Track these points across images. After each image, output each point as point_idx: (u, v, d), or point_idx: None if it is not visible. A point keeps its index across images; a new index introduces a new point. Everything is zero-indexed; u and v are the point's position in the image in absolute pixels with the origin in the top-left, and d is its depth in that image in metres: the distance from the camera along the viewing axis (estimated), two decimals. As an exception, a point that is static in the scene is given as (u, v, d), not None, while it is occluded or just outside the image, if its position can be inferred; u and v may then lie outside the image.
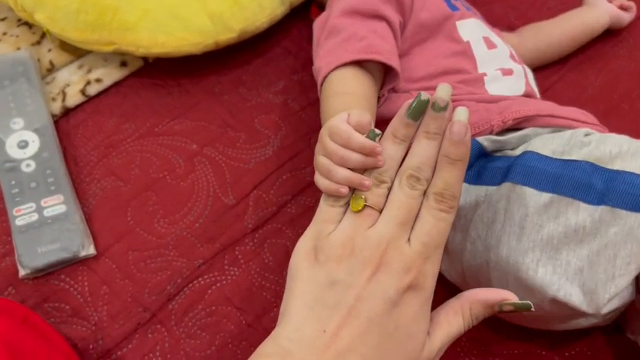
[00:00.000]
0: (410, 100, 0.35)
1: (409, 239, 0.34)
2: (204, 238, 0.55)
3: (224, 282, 0.53)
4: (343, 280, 0.33)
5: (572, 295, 0.41)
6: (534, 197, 0.43)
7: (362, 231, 0.34)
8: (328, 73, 0.51)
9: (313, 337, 0.32)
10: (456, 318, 0.36)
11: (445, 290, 0.49)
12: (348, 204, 0.36)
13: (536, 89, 0.57)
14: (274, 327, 0.34)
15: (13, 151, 0.57)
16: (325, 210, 0.37)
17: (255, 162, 0.60)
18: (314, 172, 0.58)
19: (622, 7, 0.70)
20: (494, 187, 0.46)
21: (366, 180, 0.36)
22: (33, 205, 0.54)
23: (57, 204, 0.54)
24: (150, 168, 0.59)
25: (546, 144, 0.46)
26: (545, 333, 0.49)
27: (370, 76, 0.51)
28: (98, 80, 0.63)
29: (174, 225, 0.56)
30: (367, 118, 0.38)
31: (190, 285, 0.53)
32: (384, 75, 0.53)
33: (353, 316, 0.33)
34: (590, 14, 0.68)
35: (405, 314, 0.33)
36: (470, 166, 0.38)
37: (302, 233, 0.36)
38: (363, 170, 0.36)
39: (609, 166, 0.42)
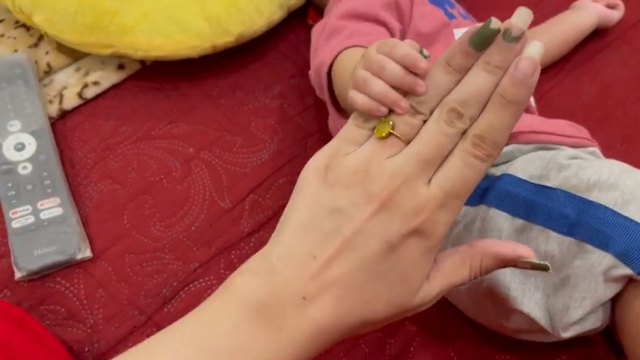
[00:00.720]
0: (477, 25, 0.30)
1: (430, 180, 0.31)
2: (201, 242, 0.55)
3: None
4: (345, 210, 0.31)
5: (541, 318, 0.42)
6: (507, 222, 0.43)
7: (379, 160, 0.31)
8: (336, 57, 0.50)
9: (302, 261, 0.31)
10: (462, 269, 0.34)
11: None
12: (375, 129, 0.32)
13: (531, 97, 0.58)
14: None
15: (9, 153, 0.57)
16: (350, 129, 0.33)
17: (251, 166, 0.60)
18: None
19: (609, 6, 0.70)
20: (472, 208, 0.46)
21: (403, 101, 0.31)
22: (29, 207, 0.54)
23: (53, 206, 0.55)
24: (146, 171, 0.59)
25: (527, 167, 0.45)
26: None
27: None
28: (95, 83, 0.64)
29: (171, 228, 0.56)
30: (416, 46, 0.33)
31: (186, 288, 0.53)
32: None
33: (347, 249, 0.31)
34: (577, 17, 0.69)
35: (403, 259, 0.31)
36: None
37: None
38: (404, 95, 0.32)
39: (585, 195, 0.42)
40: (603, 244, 0.40)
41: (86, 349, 0.50)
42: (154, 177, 0.59)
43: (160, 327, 0.50)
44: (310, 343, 0.31)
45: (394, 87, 0.32)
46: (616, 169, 0.43)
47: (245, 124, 0.63)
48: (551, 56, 0.68)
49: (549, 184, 0.44)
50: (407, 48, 0.31)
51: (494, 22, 0.29)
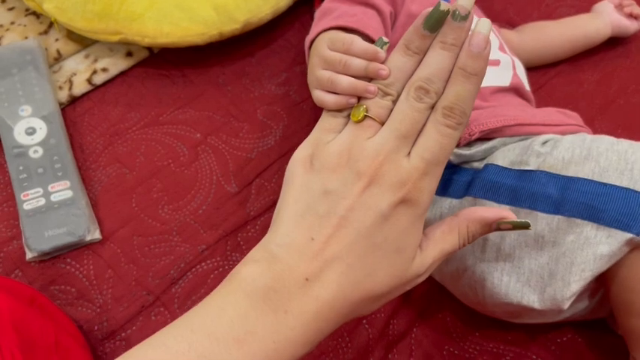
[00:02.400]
0: (428, 9, 0.33)
1: (409, 153, 0.34)
2: (208, 225, 0.56)
3: (226, 267, 0.54)
4: (336, 190, 0.33)
5: (535, 301, 0.43)
6: None
7: (359, 141, 0.34)
8: (318, 34, 0.51)
9: (302, 245, 0.33)
10: (451, 235, 0.36)
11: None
12: (349, 115, 0.35)
13: (525, 81, 0.57)
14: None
15: (21, 137, 0.58)
16: (327, 119, 0.36)
17: (257, 151, 0.61)
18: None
19: (632, 15, 0.68)
20: (457, 201, 0.47)
21: (370, 86, 0.34)
22: (40, 190, 0.55)
23: (64, 189, 0.56)
24: (154, 156, 0.60)
25: (506, 155, 0.46)
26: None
27: None
28: (104, 70, 0.65)
29: (178, 211, 0.57)
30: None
31: (193, 269, 0.54)
32: None
33: (342, 226, 0.33)
34: (592, 25, 0.67)
35: (396, 227, 0.33)
36: None
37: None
38: (369, 80, 0.35)
39: (564, 173, 0.43)
40: (593, 217, 0.41)
41: (95, 327, 0.51)
42: (162, 161, 0.60)
43: (167, 307, 0.52)
44: (318, 322, 0.32)
45: (359, 77, 0.35)
46: (587, 138, 0.44)
47: (251, 110, 0.64)
48: (557, 56, 0.67)
49: (529, 168, 0.44)
50: (364, 43, 0.35)
51: (443, 5, 0.33)
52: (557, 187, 0.42)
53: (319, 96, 0.37)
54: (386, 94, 0.34)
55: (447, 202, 0.48)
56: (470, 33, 0.33)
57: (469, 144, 0.49)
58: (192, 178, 0.59)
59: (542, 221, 0.42)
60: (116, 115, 0.63)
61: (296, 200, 0.34)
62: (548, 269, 0.42)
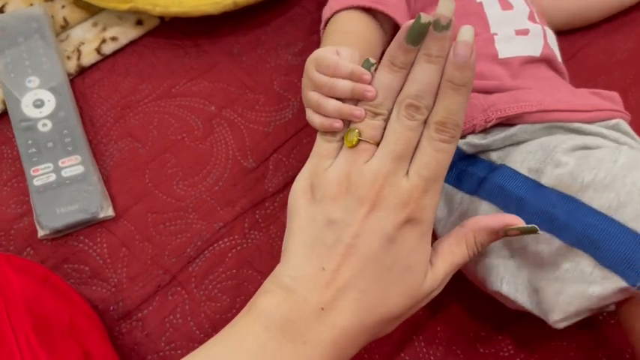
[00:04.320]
0: (409, 22, 0.33)
1: (407, 172, 0.34)
2: (224, 201, 0.54)
3: (244, 245, 0.52)
4: (340, 219, 0.33)
5: (534, 310, 0.41)
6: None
7: (357, 167, 0.34)
8: (334, 14, 0.49)
9: (313, 275, 0.33)
10: (459, 248, 0.36)
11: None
12: (344, 138, 0.35)
13: (557, 51, 0.54)
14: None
15: (28, 110, 0.56)
16: (321, 145, 0.36)
17: (274, 125, 0.58)
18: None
19: None
20: (467, 196, 0.45)
21: (356, 110, 0.34)
22: (51, 165, 0.53)
23: (75, 164, 0.54)
24: (167, 130, 0.58)
25: (526, 158, 0.42)
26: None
27: (379, 26, 0.50)
28: (114, 39, 0.62)
29: (194, 187, 0.55)
30: (358, 56, 0.36)
31: (210, 248, 0.52)
32: (393, 32, 0.51)
33: (351, 254, 0.33)
34: None
35: (404, 248, 0.33)
36: (451, 168, 0.36)
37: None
38: (357, 102, 0.35)
39: (578, 196, 0.39)
40: (594, 253, 0.37)
41: (111, 307, 0.50)
42: (176, 135, 0.58)
43: (184, 287, 0.50)
44: (336, 349, 0.32)
45: (346, 99, 0.35)
46: (619, 160, 0.39)
47: (267, 81, 0.61)
48: (588, 17, 0.64)
49: (543, 181, 0.41)
50: (349, 65, 0.34)
51: (424, 17, 0.32)
52: (566, 211, 0.39)
53: (309, 115, 0.37)
54: (376, 114, 0.34)
55: (459, 196, 0.45)
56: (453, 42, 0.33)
57: (485, 131, 0.45)
58: (208, 152, 0.57)
59: (543, 242, 0.40)
60: (127, 87, 0.60)
61: (302, 232, 0.34)
62: (542, 287, 0.40)
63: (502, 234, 0.36)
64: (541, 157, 0.42)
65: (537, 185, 0.41)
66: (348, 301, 0.33)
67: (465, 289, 0.47)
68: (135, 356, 0.48)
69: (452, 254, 0.36)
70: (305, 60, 0.62)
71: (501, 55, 0.49)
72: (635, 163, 0.39)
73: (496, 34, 0.51)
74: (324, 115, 0.36)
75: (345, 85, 0.34)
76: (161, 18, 0.64)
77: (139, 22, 0.63)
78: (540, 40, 0.52)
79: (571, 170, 0.40)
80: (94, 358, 0.43)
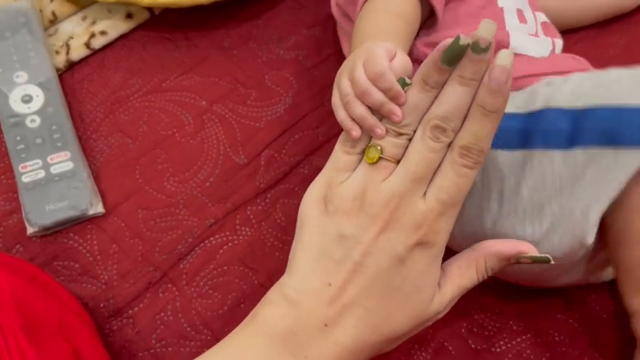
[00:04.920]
0: (446, 41, 0.31)
1: (425, 193, 0.33)
2: (215, 198, 0.54)
3: (236, 242, 0.52)
4: (351, 235, 0.33)
5: (563, 244, 0.41)
6: (507, 158, 0.41)
7: (374, 184, 0.33)
8: None
9: (319, 290, 0.33)
10: (469, 272, 0.35)
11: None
12: (364, 152, 0.34)
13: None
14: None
15: (17, 105, 0.55)
16: (340, 157, 0.35)
17: (266, 120, 0.58)
18: (327, 133, 0.57)
19: None
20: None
21: (379, 128, 0.33)
22: (39, 161, 0.53)
23: (64, 161, 0.53)
24: (158, 125, 0.57)
25: (511, 101, 0.42)
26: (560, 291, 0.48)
27: (419, 7, 0.48)
28: (103, 33, 0.61)
29: (185, 184, 0.54)
30: (410, 68, 0.35)
31: (202, 244, 0.52)
32: (425, 18, 0.50)
33: (359, 271, 0.32)
34: None
35: (413, 270, 0.33)
36: None
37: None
38: (381, 117, 0.34)
39: (574, 106, 0.40)
40: (611, 141, 0.38)
41: (102, 305, 0.49)
42: (166, 131, 0.57)
43: (175, 283, 0.50)
44: None
45: (374, 109, 0.34)
46: (593, 75, 0.42)
47: (259, 76, 0.60)
48: (580, 18, 0.64)
49: (536, 108, 0.42)
50: (392, 80, 0.33)
51: (463, 39, 0.31)
52: (569, 120, 0.40)
53: (335, 106, 0.36)
54: (401, 134, 0.33)
55: None
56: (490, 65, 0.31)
57: None
58: (199, 148, 0.56)
59: (558, 159, 0.40)
60: (117, 82, 0.59)
61: (311, 244, 0.34)
62: (569, 207, 0.40)
63: (514, 261, 0.35)
64: (524, 96, 0.43)
65: (532, 113, 0.42)
66: (353, 319, 0.32)
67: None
68: (125, 354, 0.48)
69: (461, 278, 0.35)
70: (298, 55, 0.62)
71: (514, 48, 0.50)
72: (611, 69, 0.42)
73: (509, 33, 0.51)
74: (349, 115, 0.35)
75: (377, 99, 0.33)
76: (151, 11, 0.63)
77: (129, 16, 0.62)
78: (549, 48, 0.52)
79: (557, 88, 0.42)
80: (84, 356, 0.43)
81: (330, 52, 0.62)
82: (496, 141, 0.42)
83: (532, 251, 0.35)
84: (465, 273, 0.35)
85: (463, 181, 0.33)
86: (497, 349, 0.47)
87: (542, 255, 0.34)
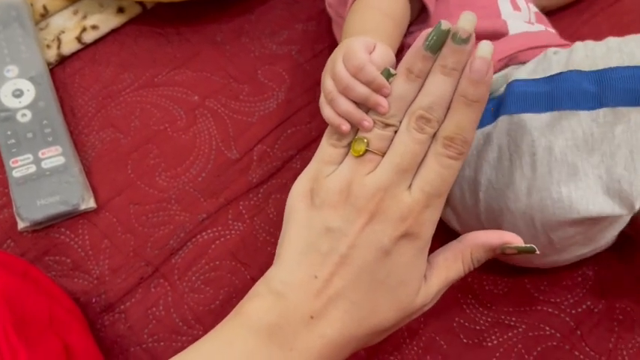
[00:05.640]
0: (428, 30, 0.32)
1: (410, 185, 0.33)
2: (208, 193, 0.54)
3: (228, 237, 0.52)
4: (337, 228, 0.33)
5: (603, 204, 0.40)
6: (535, 121, 0.41)
7: (360, 177, 0.33)
8: None
9: (305, 282, 0.33)
10: (455, 263, 0.35)
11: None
12: (350, 145, 0.34)
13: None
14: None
15: (7, 100, 0.55)
16: (326, 150, 0.35)
17: (258, 115, 0.58)
18: (320, 127, 0.57)
19: None
20: (490, 126, 0.43)
21: (366, 120, 0.33)
22: (30, 156, 0.52)
23: (55, 155, 0.53)
24: (150, 120, 0.57)
25: (524, 70, 0.44)
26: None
27: (408, 5, 0.48)
28: (94, 27, 0.61)
29: (177, 179, 0.54)
30: (392, 59, 0.35)
31: (194, 239, 0.52)
32: (417, 14, 0.51)
33: (345, 264, 0.33)
34: None
35: (399, 262, 0.33)
36: None
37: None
38: (368, 109, 0.34)
39: (593, 68, 0.40)
40: (637, 100, 0.38)
41: (93, 300, 0.49)
42: (158, 126, 0.57)
43: (167, 278, 0.50)
44: (323, 358, 0.32)
45: (359, 103, 0.34)
46: (603, 42, 0.42)
47: (251, 71, 0.60)
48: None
49: (553, 72, 0.42)
50: (374, 72, 0.33)
51: (445, 24, 0.31)
52: (592, 81, 0.40)
53: (321, 104, 0.36)
54: (387, 125, 0.33)
55: (479, 133, 0.44)
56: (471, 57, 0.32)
57: None
58: (191, 143, 0.56)
59: (587, 119, 0.40)
60: (108, 76, 0.59)
61: (298, 237, 0.34)
62: (604, 167, 0.40)
63: (499, 251, 0.35)
64: (535, 66, 0.43)
65: (553, 76, 0.41)
66: (339, 312, 0.32)
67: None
68: (118, 349, 0.48)
69: (447, 270, 0.35)
70: (290, 50, 0.62)
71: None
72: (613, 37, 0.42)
73: (506, 22, 0.51)
74: (335, 111, 0.35)
75: (361, 92, 0.33)
76: (143, 6, 0.63)
77: (121, 10, 0.62)
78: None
79: (570, 55, 0.41)
80: (75, 352, 0.43)
81: (323, 47, 0.62)
82: (520, 106, 0.42)
83: (517, 242, 0.35)
84: (451, 265, 0.35)
85: (447, 172, 0.33)
86: (489, 344, 0.47)
87: (528, 245, 0.35)
